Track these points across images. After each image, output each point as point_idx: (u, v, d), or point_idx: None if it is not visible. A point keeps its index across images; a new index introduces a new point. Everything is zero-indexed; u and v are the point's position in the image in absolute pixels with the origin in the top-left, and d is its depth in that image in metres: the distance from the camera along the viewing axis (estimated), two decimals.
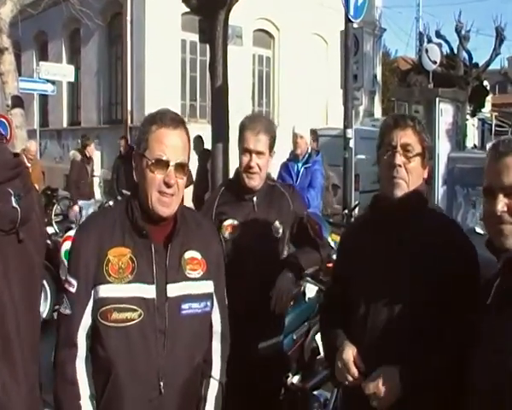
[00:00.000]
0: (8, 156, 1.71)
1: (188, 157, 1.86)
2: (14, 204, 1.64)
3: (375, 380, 1.76)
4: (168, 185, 1.78)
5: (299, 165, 4.99)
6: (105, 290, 1.76)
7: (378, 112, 22.12)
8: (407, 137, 1.90)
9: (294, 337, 3.74)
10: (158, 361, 1.76)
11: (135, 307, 1.75)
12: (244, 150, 2.64)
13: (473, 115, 23.76)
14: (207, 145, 8.93)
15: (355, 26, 8.37)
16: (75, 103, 18.21)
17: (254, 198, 2.68)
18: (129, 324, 1.75)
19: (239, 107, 14.18)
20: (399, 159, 1.88)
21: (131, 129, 14.52)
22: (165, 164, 1.78)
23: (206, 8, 7.54)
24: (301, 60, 17.35)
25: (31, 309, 1.77)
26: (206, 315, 1.91)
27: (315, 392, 3.04)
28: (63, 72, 14.49)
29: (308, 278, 3.71)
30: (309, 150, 4.96)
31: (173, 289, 1.80)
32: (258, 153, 2.63)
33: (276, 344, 2.75)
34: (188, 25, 13.65)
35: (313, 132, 5.36)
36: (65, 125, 18.26)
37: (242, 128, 2.68)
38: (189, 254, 1.87)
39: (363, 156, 12.19)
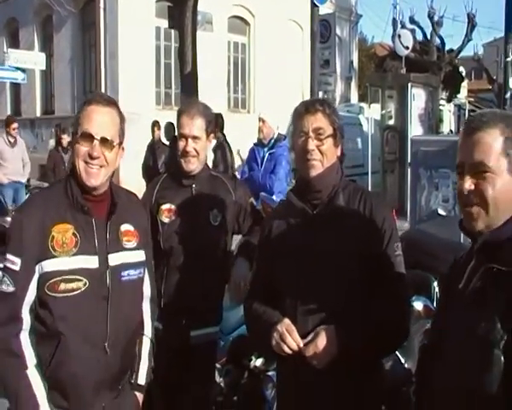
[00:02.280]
0: None
1: (117, 135, 1.98)
2: None
3: (314, 341, 1.83)
4: (92, 157, 1.90)
5: (265, 150, 5.00)
6: (51, 264, 1.87)
7: (354, 98, 22.24)
8: (318, 121, 1.97)
9: None
10: (103, 325, 1.92)
11: (80, 277, 1.89)
12: (180, 136, 2.68)
13: (449, 101, 24.01)
14: None
15: (329, 11, 8.38)
16: (49, 92, 17.93)
17: (194, 185, 2.71)
18: (75, 292, 1.88)
19: (214, 94, 14.17)
20: (312, 143, 1.96)
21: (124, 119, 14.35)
22: (91, 137, 1.91)
23: None
24: (277, 46, 17.34)
25: None
26: (141, 281, 2.10)
27: (269, 373, 3.08)
28: (34, 59, 14.21)
29: None
30: (275, 136, 4.96)
31: (113, 259, 1.97)
32: (194, 137, 2.66)
33: (210, 334, 2.77)
34: (161, 12, 13.49)
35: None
36: (38, 114, 17.97)
37: (179, 114, 2.72)
38: (124, 227, 2.03)
39: None
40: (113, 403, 2.00)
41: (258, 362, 3.62)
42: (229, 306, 3.46)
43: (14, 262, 1.86)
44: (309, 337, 1.85)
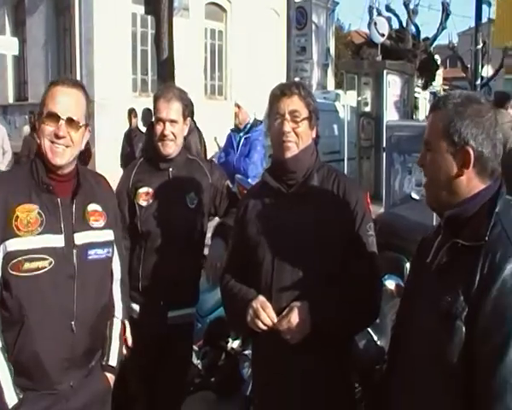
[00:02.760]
0: None
1: (83, 116, 2.00)
2: None
3: (287, 316, 1.89)
4: (58, 137, 1.92)
5: (241, 135, 5.05)
6: (14, 244, 1.88)
7: (331, 85, 22.35)
8: (294, 104, 2.02)
9: None
10: (69, 303, 1.93)
11: (45, 256, 1.90)
12: (158, 119, 2.70)
13: (424, 88, 24.31)
14: None
15: None
16: (22, 78, 17.58)
17: (170, 168, 2.74)
18: (40, 272, 1.89)
19: (191, 80, 14.10)
20: (288, 126, 2.01)
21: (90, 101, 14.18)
22: (57, 117, 1.92)
23: None
24: (253, 33, 17.29)
25: None
26: (109, 260, 2.12)
27: (246, 352, 3.14)
28: (5, 44, 13.90)
29: None
30: (250, 121, 5.01)
31: (79, 238, 1.98)
32: (172, 121, 2.68)
33: (187, 315, 2.82)
34: None
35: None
36: (11, 100, 17.58)
37: (156, 99, 2.73)
38: (91, 207, 2.05)
39: None
40: (82, 382, 2.01)
41: (235, 344, 3.68)
42: (206, 288, 3.50)
43: None
44: (283, 313, 1.90)
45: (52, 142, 1.93)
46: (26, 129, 10.41)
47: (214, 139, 6.63)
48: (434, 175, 1.54)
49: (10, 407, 1.87)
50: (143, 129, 9.55)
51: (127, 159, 9.40)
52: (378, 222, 3.35)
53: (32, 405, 1.92)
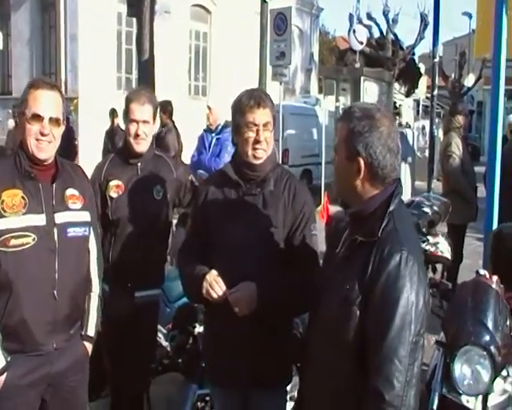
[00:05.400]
0: None
1: (61, 114, 2.29)
2: None
3: (237, 291, 2.14)
4: (43, 134, 2.21)
5: (213, 135, 5.27)
6: (2, 223, 2.15)
7: (314, 89, 22.64)
8: (267, 116, 2.29)
9: None
10: (51, 274, 2.22)
11: (29, 234, 2.18)
12: (131, 120, 2.97)
13: (407, 96, 24.75)
14: None
15: (289, 4, 8.58)
16: (6, 72, 17.63)
17: (139, 163, 3.03)
18: (25, 247, 2.17)
19: (175, 81, 14.32)
20: (262, 136, 2.28)
21: (65, 100, 14.30)
22: (41, 118, 2.20)
23: None
24: (237, 35, 17.50)
25: None
26: (86, 238, 2.41)
27: None
28: None
29: None
30: (222, 122, 5.23)
31: (59, 217, 2.27)
32: (145, 121, 2.97)
33: (152, 295, 3.11)
34: None
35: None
36: None
37: (128, 101, 3.00)
38: (69, 192, 2.34)
39: (292, 131, 12.66)
40: (63, 344, 2.29)
41: (202, 328, 3.93)
42: (173, 276, 3.74)
43: None
44: (233, 289, 2.17)
45: (37, 139, 2.20)
46: (11, 123, 10.56)
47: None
48: (338, 176, 1.82)
49: None
50: (124, 127, 9.80)
51: None
52: (332, 218, 3.64)
53: (18, 366, 2.18)
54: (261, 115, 2.26)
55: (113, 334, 2.93)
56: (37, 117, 2.20)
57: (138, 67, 8.06)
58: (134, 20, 13.22)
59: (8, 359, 2.18)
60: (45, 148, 2.23)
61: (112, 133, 10.29)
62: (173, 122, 6.82)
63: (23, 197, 2.20)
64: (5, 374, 2.17)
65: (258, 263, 2.22)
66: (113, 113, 10.39)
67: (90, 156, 11.06)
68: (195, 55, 17.65)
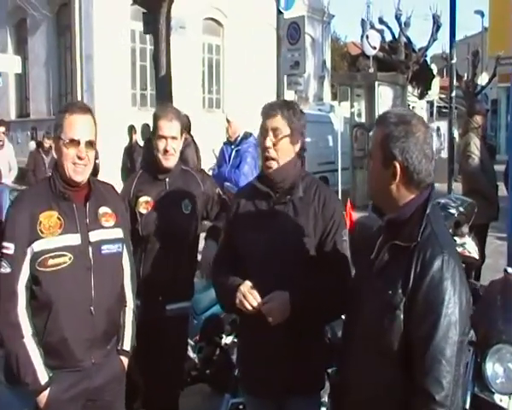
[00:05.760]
0: None
1: (94, 136, 2.36)
2: None
3: (270, 300, 2.15)
4: (80, 158, 2.30)
5: (232, 147, 5.34)
6: (40, 245, 2.24)
7: (327, 96, 22.68)
8: (275, 122, 2.32)
9: None
10: (88, 291, 2.29)
11: (65, 253, 2.26)
12: (160, 137, 3.04)
13: (420, 98, 24.65)
14: None
15: (301, 13, 8.63)
16: (24, 95, 17.98)
17: (167, 179, 3.09)
18: (62, 266, 2.25)
19: (189, 94, 14.45)
20: (269, 141, 2.32)
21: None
22: (77, 142, 2.29)
23: (149, 0, 7.80)
24: (250, 47, 17.66)
25: None
26: (120, 254, 2.48)
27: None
28: (8, 63, 14.22)
29: None
30: (241, 134, 5.29)
31: (94, 236, 2.35)
32: (173, 138, 3.05)
33: (183, 308, 3.15)
34: (137, 14, 13.61)
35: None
36: (13, 117, 17.94)
37: (157, 118, 3.08)
38: (102, 210, 2.42)
39: (308, 139, 12.66)
40: (102, 360, 2.37)
41: (229, 339, 3.96)
42: (201, 288, 3.81)
43: (9, 248, 2.24)
44: (266, 298, 2.19)
45: (74, 163, 2.29)
46: (32, 145, 10.75)
47: (212, 151, 6.93)
48: (373, 181, 1.84)
49: (43, 383, 2.23)
50: (142, 143, 9.92)
51: (128, 172, 9.75)
52: (356, 223, 3.67)
53: (60, 382, 2.26)
54: (270, 121, 2.32)
55: (145, 347, 2.98)
56: (74, 142, 2.28)
57: (155, 83, 8.15)
58: (148, 36, 13.52)
59: (51, 375, 2.25)
60: (82, 171, 2.32)
61: (130, 150, 10.44)
62: (192, 136, 6.91)
63: (59, 218, 2.28)
64: (48, 389, 2.24)
65: (291, 271, 2.24)
66: (131, 129, 10.55)
67: (108, 174, 11.22)
68: (209, 68, 17.82)
